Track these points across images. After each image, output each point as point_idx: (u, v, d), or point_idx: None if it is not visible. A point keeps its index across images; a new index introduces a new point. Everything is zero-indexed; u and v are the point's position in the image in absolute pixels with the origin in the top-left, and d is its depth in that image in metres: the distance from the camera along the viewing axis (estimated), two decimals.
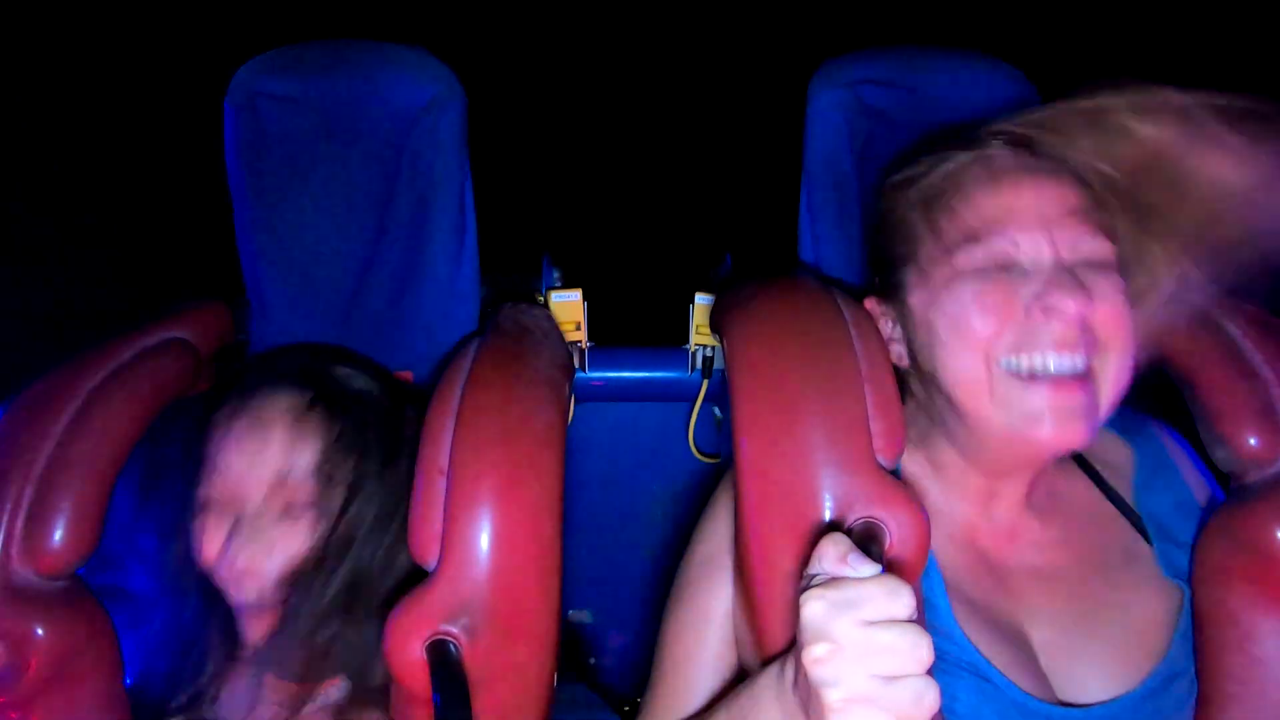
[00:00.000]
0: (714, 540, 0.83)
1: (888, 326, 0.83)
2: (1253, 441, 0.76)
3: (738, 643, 0.79)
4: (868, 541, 0.67)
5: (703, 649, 0.80)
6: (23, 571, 0.78)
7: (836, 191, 1.06)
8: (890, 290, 0.83)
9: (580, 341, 1.14)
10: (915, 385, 0.83)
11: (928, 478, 0.83)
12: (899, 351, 0.82)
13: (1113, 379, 0.71)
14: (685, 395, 1.21)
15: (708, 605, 0.80)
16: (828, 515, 0.70)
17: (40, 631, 0.77)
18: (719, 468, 1.21)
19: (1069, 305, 0.68)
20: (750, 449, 0.75)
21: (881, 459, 0.72)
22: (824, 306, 0.82)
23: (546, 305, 1.10)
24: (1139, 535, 0.80)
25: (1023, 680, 0.72)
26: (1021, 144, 0.76)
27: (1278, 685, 0.73)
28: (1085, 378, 0.69)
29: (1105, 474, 0.83)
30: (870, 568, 0.56)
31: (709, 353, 1.17)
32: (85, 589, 0.83)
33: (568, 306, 1.12)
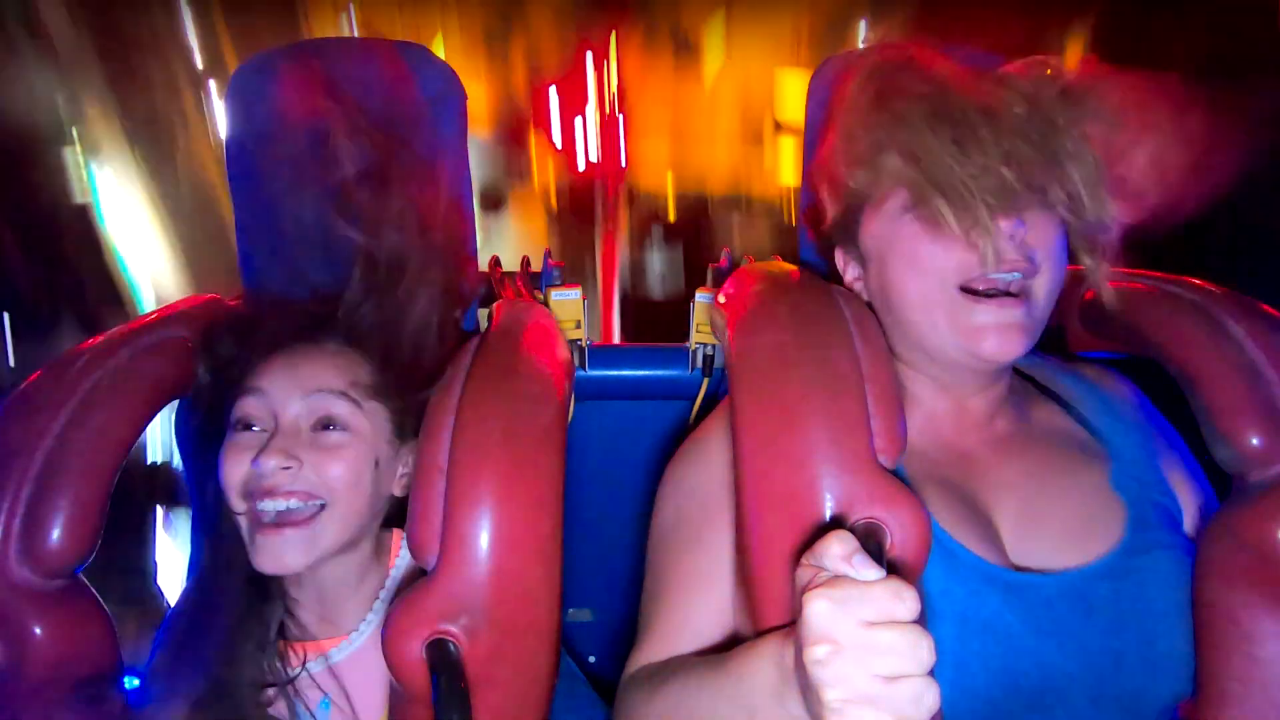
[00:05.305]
0: (711, 477, 0.84)
1: (853, 270, 0.91)
2: (1255, 441, 0.75)
3: (734, 609, 0.79)
4: (869, 542, 0.67)
5: (710, 594, 0.80)
6: (21, 571, 0.77)
7: None
8: (847, 236, 0.90)
9: (580, 340, 1.14)
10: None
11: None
12: (861, 289, 0.90)
13: (1045, 296, 0.80)
14: (686, 394, 1.20)
15: (719, 548, 0.81)
16: (829, 515, 0.70)
17: (39, 631, 0.77)
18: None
19: (1004, 226, 0.76)
20: (750, 448, 0.75)
21: (883, 459, 0.72)
22: (825, 305, 0.82)
23: (546, 304, 1.10)
24: (1100, 450, 0.87)
25: (984, 552, 0.78)
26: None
27: (1278, 686, 0.73)
28: (1022, 295, 0.78)
29: (1072, 402, 0.91)
30: (874, 571, 0.56)
31: (710, 351, 1.16)
32: (85, 588, 0.83)
33: (567, 305, 1.11)
